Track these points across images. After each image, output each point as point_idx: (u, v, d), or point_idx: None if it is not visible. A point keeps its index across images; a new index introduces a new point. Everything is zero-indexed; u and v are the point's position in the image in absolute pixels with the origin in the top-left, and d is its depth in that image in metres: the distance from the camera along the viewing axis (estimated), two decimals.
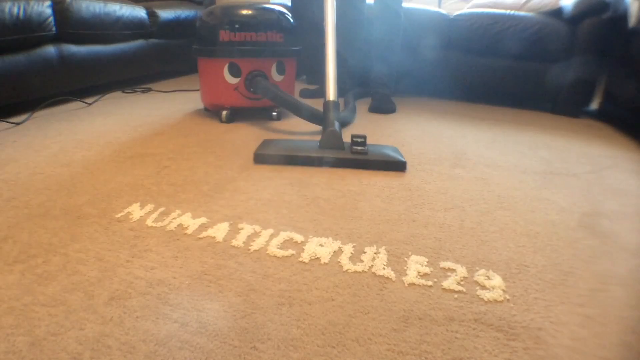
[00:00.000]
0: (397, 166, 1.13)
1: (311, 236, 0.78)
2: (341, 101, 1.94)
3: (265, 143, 1.20)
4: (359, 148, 1.13)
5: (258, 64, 1.48)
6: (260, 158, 1.13)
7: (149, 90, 2.12)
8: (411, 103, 2.07)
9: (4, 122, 1.42)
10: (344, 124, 1.55)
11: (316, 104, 1.43)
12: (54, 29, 1.60)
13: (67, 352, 0.50)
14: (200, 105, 1.73)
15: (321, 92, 2.06)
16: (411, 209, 0.91)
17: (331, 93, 1.27)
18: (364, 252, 0.73)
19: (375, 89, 1.94)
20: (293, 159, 1.13)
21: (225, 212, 0.86)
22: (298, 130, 1.48)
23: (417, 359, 0.51)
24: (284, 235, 0.78)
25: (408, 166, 1.17)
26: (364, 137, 1.15)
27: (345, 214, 0.87)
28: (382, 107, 1.83)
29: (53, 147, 1.20)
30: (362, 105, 1.91)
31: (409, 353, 0.52)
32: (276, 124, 1.55)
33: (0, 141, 1.24)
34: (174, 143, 1.28)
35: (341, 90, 2.06)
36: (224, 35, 1.44)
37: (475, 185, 1.06)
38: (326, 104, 1.26)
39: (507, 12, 2.06)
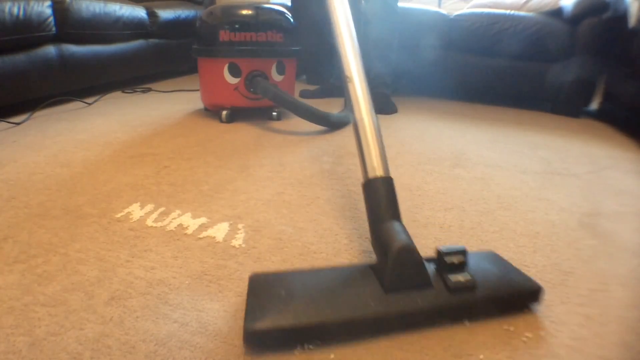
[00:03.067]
0: (526, 298, 0.61)
1: (311, 236, 0.78)
2: (341, 102, 1.94)
3: (259, 291, 0.56)
4: (461, 279, 0.57)
5: (258, 64, 1.48)
6: (261, 336, 0.50)
7: (149, 90, 2.12)
8: (411, 103, 2.07)
9: (4, 122, 1.42)
10: (344, 124, 1.54)
11: (316, 104, 1.43)
12: (54, 29, 1.60)
13: (67, 352, 0.50)
14: (200, 105, 1.73)
15: (322, 92, 2.08)
16: (411, 209, 0.91)
17: (377, 163, 0.68)
18: (364, 252, 0.73)
19: (376, 89, 1.93)
20: (339, 327, 0.53)
21: (225, 212, 0.86)
22: (298, 130, 1.48)
23: (417, 356, 0.51)
24: (284, 235, 0.78)
25: (408, 166, 1.17)
26: (463, 252, 0.60)
27: (345, 214, 0.87)
28: (385, 108, 1.83)
29: (53, 147, 1.20)
30: None
31: (409, 351, 0.52)
32: (276, 124, 1.55)
33: (0, 141, 1.24)
34: (174, 143, 1.28)
35: (341, 91, 2.07)
36: (224, 35, 1.44)
37: (475, 185, 1.06)
38: (371, 186, 0.67)
39: (507, 12, 2.06)
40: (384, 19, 1.88)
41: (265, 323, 0.50)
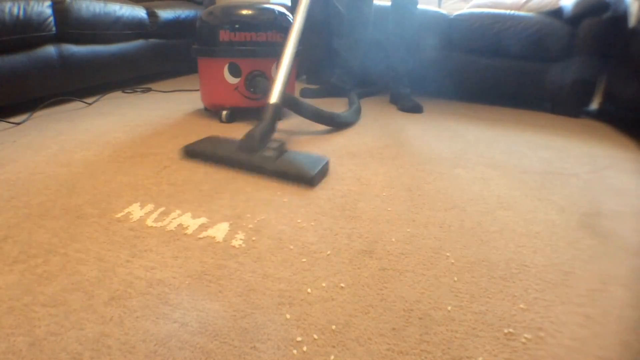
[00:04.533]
0: (302, 180, 1.00)
1: (311, 236, 0.78)
2: (342, 101, 1.94)
3: (203, 140, 1.20)
4: (269, 154, 1.05)
5: (258, 64, 1.48)
6: (188, 152, 1.15)
7: (149, 90, 2.12)
8: None
9: (4, 122, 1.42)
10: (348, 124, 1.54)
11: (316, 104, 1.43)
12: (54, 29, 1.60)
13: (67, 352, 0.50)
14: (200, 105, 1.73)
15: (322, 92, 2.08)
16: (411, 209, 0.91)
17: (275, 94, 1.19)
18: (364, 252, 0.73)
19: (396, 89, 1.98)
20: (213, 158, 1.11)
21: (225, 212, 0.86)
22: (299, 130, 1.48)
23: (417, 358, 0.51)
24: (284, 235, 0.78)
25: (408, 166, 1.17)
26: (280, 143, 1.10)
27: (345, 214, 0.87)
28: (413, 108, 1.88)
29: (53, 147, 1.20)
30: (381, 105, 1.91)
31: (408, 352, 0.52)
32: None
33: (0, 141, 1.24)
34: (174, 143, 1.27)
35: (342, 91, 2.08)
36: (224, 35, 1.44)
37: (475, 185, 1.06)
38: (267, 106, 1.17)
39: (507, 12, 2.06)
40: (403, 22, 1.91)
41: (194, 146, 1.16)
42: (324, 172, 1.05)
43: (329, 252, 0.73)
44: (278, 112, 1.17)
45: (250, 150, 1.08)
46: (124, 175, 1.02)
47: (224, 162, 1.09)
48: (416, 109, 1.86)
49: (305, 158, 1.09)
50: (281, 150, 1.08)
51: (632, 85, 1.70)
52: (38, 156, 1.13)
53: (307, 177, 0.99)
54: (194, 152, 1.13)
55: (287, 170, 1.01)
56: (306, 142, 1.34)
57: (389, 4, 1.96)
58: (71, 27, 1.67)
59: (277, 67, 1.52)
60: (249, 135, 1.10)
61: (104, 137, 1.31)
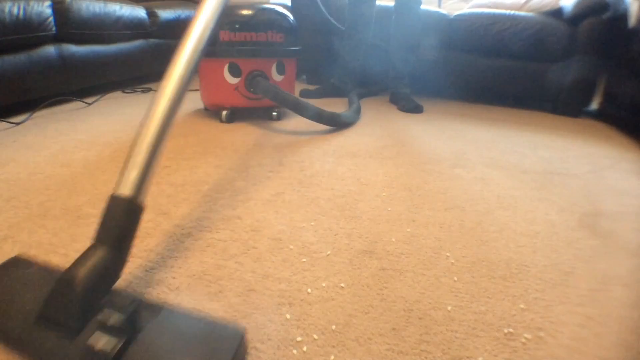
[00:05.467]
0: None
1: (311, 236, 0.78)
2: (342, 102, 1.94)
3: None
4: (101, 347, 0.43)
5: (258, 64, 1.48)
6: None
7: (149, 90, 2.12)
8: None
9: (4, 122, 1.42)
10: (348, 124, 1.54)
11: (316, 104, 1.43)
12: (54, 29, 1.60)
13: None
14: (200, 105, 1.73)
15: (322, 92, 2.08)
16: (411, 209, 0.91)
17: (129, 181, 0.54)
18: (364, 252, 0.73)
19: (397, 89, 1.98)
20: None
21: (225, 212, 0.86)
22: (298, 130, 1.48)
23: (417, 358, 0.51)
24: (284, 235, 0.78)
25: (408, 166, 1.17)
26: (134, 308, 0.46)
27: (345, 214, 0.87)
28: (413, 108, 1.88)
29: (53, 147, 1.20)
30: (381, 105, 1.91)
31: (408, 352, 0.52)
32: (276, 124, 1.55)
33: (0, 141, 1.24)
34: (174, 143, 1.28)
35: (342, 91, 2.08)
36: (224, 35, 1.44)
37: (475, 185, 1.06)
38: (111, 203, 0.53)
39: (507, 12, 2.06)
40: (407, 22, 1.91)
41: None
42: None
43: (329, 252, 0.73)
44: (133, 219, 0.54)
45: (62, 323, 0.46)
46: None
47: (7, 342, 0.49)
48: (416, 109, 1.86)
49: (187, 343, 0.47)
50: (132, 324, 0.46)
51: (632, 85, 1.70)
52: (38, 156, 1.13)
53: None
54: None
55: None
56: (306, 142, 1.34)
57: (392, 4, 1.96)
58: (71, 27, 1.67)
59: (276, 70, 1.52)
60: (61, 283, 0.47)
61: (104, 137, 1.31)
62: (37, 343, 0.46)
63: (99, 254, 0.49)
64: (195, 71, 0.69)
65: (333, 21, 2.17)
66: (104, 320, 0.45)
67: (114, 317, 0.45)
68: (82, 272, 0.47)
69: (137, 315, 0.47)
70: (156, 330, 0.47)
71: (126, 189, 0.53)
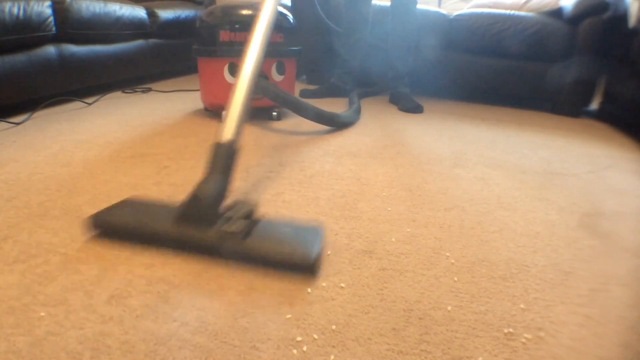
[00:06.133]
0: (294, 266, 0.66)
1: None
2: (342, 102, 1.94)
3: (123, 205, 0.79)
4: (234, 229, 0.66)
5: None
6: (99, 223, 0.74)
7: (149, 90, 2.12)
8: None
9: (4, 122, 1.42)
10: (348, 124, 1.54)
11: (316, 104, 1.43)
12: (54, 29, 1.60)
13: (67, 351, 0.50)
14: (200, 105, 1.73)
15: (322, 92, 2.08)
16: (411, 209, 0.91)
17: (229, 130, 0.78)
18: (364, 252, 0.73)
19: (396, 89, 1.98)
20: (138, 233, 0.72)
21: None
22: (298, 130, 1.48)
23: (417, 358, 0.51)
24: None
25: (408, 166, 1.17)
26: (251, 210, 0.71)
27: (345, 214, 0.87)
28: (413, 108, 1.87)
29: (53, 147, 1.20)
30: (381, 105, 1.91)
31: (408, 352, 0.52)
32: (276, 124, 1.55)
33: (0, 141, 1.24)
34: (174, 143, 1.28)
35: (342, 91, 2.08)
36: (224, 35, 1.44)
37: (475, 185, 1.06)
38: (217, 147, 0.76)
39: (507, 12, 2.06)
40: (403, 22, 1.91)
41: (106, 216, 0.75)
42: (321, 248, 0.70)
43: (329, 252, 0.73)
44: (233, 156, 0.77)
45: (199, 221, 0.69)
46: (124, 175, 1.02)
47: (156, 240, 0.71)
48: (416, 109, 1.86)
49: (291, 229, 0.72)
50: (250, 219, 0.70)
51: (632, 85, 1.70)
52: (38, 156, 1.13)
53: (303, 262, 0.65)
54: (109, 224, 0.74)
55: (266, 252, 0.66)
56: (306, 142, 1.34)
57: (388, 3, 1.96)
58: (71, 27, 1.68)
59: (276, 70, 1.52)
60: (194, 198, 0.70)
61: (104, 137, 1.31)
62: (182, 234, 0.69)
63: (214, 178, 0.72)
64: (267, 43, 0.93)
65: (328, 22, 2.17)
66: (230, 216, 0.68)
67: (238, 212, 0.69)
68: (206, 188, 0.71)
69: (253, 213, 0.71)
70: (267, 223, 0.73)
71: (228, 135, 0.77)
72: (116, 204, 0.79)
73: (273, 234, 0.70)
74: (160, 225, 0.71)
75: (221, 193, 0.72)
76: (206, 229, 0.68)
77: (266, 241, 0.68)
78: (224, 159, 0.75)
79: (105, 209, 0.77)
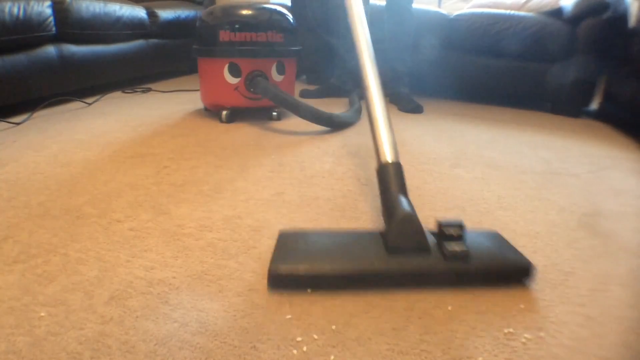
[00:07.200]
0: (515, 273, 0.67)
1: None
2: (342, 102, 1.94)
3: (284, 244, 0.69)
4: (456, 249, 0.64)
5: (258, 64, 1.48)
6: (281, 279, 0.63)
7: (149, 90, 2.12)
8: None
9: (4, 122, 1.42)
10: (347, 124, 1.54)
11: (316, 104, 1.43)
12: (54, 29, 1.60)
13: (67, 352, 0.50)
14: (200, 105, 1.73)
15: (322, 92, 2.08)
16: None
17: (388, 151, 0.79)
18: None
19: (395, 89, 1.97)
20: (344, 279, 0.63)
21: (225, 212, 0.86)
22: (298, 130, 1.48)
23: (417, 358, 0.51)
24: None
25: (408, 166, 1.16)
26: (459, 225, 0.67)
27: (345, 214, 0.87)
28: (413, 108, 1.87)
29: (53, 147, 1.20)
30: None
31: (408, 352, 0.52)
32: (276, 124, 1.55)
33: (0, 141, 1.24)
34: (174, 143, 1.28)
35: (342, 91, 2.08)
36: (224, 36, 1.44)
37: (475, 185, 1.06)
38: (382, 169, 0.77)
39: (507, 12, 2.06)
40: (400, 21, 1.90)
41: (285, 268, 0.62)
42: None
43: None
44: (403, 175, 0.76)
45: (418, 247, 0.65)
46: (124, 175, 1.02)
47: (368, 281, 0.63)
48: (416, 110, 1.86)
49: (477, 237, 0.72)
50: (462, 234, 0.67)
51: (632, 85, 1.70)
52: (38, 156, 1.13)
53: (523, 268, 0.66)
54: (296, 277, 0.62)
55: (488, 267, 0.65)
56: (306, 142, 1.34)
57: (383, 3, 1.95)
58: (71, 27, 1.68)
59: (276, 70, 1.52)
60: (406, 226, 0.66)
61: (104, 137, 1.31)
62: (403, 264, 0.63)
63: (405, 199, 0.71)
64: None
65: (322, 27, 2.17)
66: (446, 234, 0.65)
67: (454, 231, 0.66)
68: (411, 210, 0.68)
69: (463, 228, 0.67)
70: (470, 238, 0.68)
71: (390, 157, 0.77)
72: (279, 245, 0.68)
73: (476, 247, 0.66)
74: (370, 264, 0.62)
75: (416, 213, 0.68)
76: (426, 255, 0.64)
77: (483, 255, 0.66)
78: (400, 178, 0.75)
79: (275, 255, 0.65)
